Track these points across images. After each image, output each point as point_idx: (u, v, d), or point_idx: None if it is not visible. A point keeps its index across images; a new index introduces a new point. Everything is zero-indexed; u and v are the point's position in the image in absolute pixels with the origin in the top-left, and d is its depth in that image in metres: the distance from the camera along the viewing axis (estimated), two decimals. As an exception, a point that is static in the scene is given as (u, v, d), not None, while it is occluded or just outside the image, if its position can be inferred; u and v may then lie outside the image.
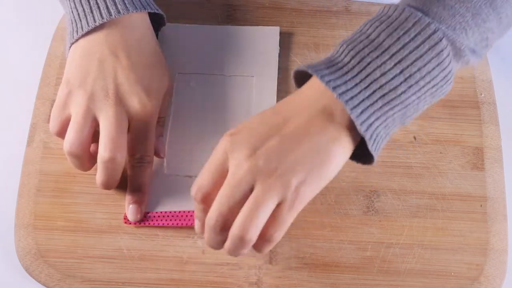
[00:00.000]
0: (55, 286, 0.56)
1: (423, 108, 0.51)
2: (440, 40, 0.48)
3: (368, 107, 0.47)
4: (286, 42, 0.67)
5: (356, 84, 0.48)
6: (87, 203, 0.60)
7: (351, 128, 0.48)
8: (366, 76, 0.48)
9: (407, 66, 0.48)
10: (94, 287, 0.57)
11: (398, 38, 0.48)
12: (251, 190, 0.47)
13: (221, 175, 0.48)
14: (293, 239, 0.58)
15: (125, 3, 0.56)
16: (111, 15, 0.55)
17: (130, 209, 0.57)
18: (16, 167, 0.62)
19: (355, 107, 0.47)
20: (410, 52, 0.48)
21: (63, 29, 0.68)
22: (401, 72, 0.48)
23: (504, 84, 0.67)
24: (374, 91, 0.48)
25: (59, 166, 0.61)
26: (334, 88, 0.47)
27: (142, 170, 0.57)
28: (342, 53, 0.49)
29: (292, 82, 0.66)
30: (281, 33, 0.67)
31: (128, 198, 0.58)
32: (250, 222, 0.46)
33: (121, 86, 0.55)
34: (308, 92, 0.50)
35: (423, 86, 0.49)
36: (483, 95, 0.65)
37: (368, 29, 0.50)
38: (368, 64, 0.48)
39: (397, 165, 0.61)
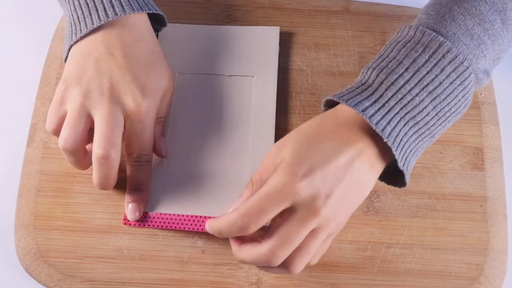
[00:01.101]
0: (55, 286, 0.56)
1: (441, 134, 0.54)
2: (469, 75, 0.51)
3: (405, 143, 0.50)
4: (286, 42, 0.68)
5: (398, 123, 0.50)
6: (87, 203, 0.60)
7: (387, 160, 0.51)
8: (406, 114, 0.50)
9: (440, 102, 0.51)
10: (94, 287, 0.57)
11: (437, 76, 0.50)
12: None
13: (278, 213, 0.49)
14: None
15: (122, 5, 0.56)
16: (108, 17, 0.56)
17: (129, 208, 0.57)
18: (16, 167, 0.62)
19: (398, 146, 0.49)
20: (444, 89, 0.50)
21: (63, 29, 0.68)
22: (434, 108, 0.51)
23: (504, 84, 0.67)
24: (411, 128, 0.50)
25: (59, 166, 0.61)
26: (382, 130, 0.49)
27: (140, 169, 0.57)
28: (380, 84, 0.51)
29: (293, 83, 0.66)
30: (281, 33, 0.67)
31: (127, 197, 0.58)
32: (306, 259, 0.50)
33: (116, 84, 0.55)
34: (349, 122, 0.51)
35: (449, 116, 0.52)
36: (483, 95, 0.65)
37: (404, 59, 0.51)
38: (409, 102, 0.50)
39: (397, 165, 0.61)
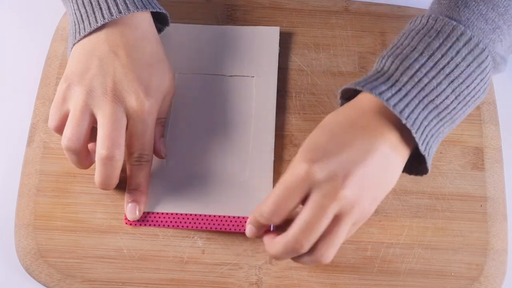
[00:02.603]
0: (55, 286, 0.56)
1: (462, 119, 0.53)
2: (486, 58, 0.50)
3: (426, 127, 0.50)
4: (286, 42, 0.67)
5: (416, 106, 0.49)
6: (87, 203, 0.60)
7: (410, 146, 0.51)
8: (424, 97, 0.49)
9: (458, 85, 0.50)
10: (94, 287, 0.57)
11: (452, 58, 0.50)
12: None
13: (301, 201, 0.49)
14: (293, 239, 0.58)
15: (126, 3, 0.56)
16: (112, 15, 0.56)
17: (128, 208, 0.58)
18: (16, 167, 0.62)
19: (418, 129, 0.49)
20: (462, 72, 0.50)
21: (63, 29, 0.68)
22: (453, 91, 0.50)
23: (504, 84, 0.67)
24: (430, 111, 0.50)
25: (59, 166, 0.61)
26: (400, 112, 0.49)
27: (140, 169, 0.57)
28: (396, 70, 0.50)
29: (293, 83, 0.66)
30: (281, 33, 0.67)
31: (126, 197, 0.58)
32: (334, 247, 0.49)
33: (119, 84, 0.55)
34: (368, 110, 0.51)
35: (469, 101, 0.51)
36: (483, 95, 0.65)
37: (418, 44, 0.51)
38: (426, 85, 0.50)
39: (397, 165, 0.61)
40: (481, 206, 0.60)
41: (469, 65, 0.50)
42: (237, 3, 0.70)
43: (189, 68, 0.65)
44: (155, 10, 0.59)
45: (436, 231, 0.59)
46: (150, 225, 0.58)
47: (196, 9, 0.69)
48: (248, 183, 0.59)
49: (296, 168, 0.49)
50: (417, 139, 0.49)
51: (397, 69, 0.50)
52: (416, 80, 0.49)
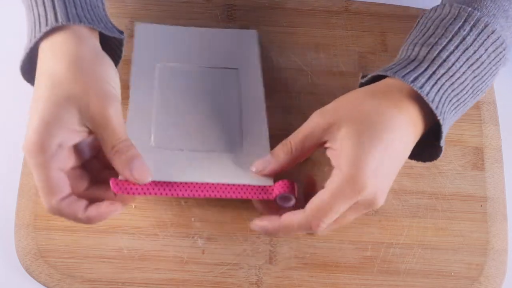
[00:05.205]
0: (55, 286, 0.57)
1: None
2: (504, 57, 0.52)
3: (446, 113, 0.50)
4: (286, 42, 0.68)
5: (444, 92, 0.50)
6: (87, 203, 0.59)
7: (425, 124, 0.51)
8: (449, 86, 0.50)
9: (477, 81, 0.51)
10: (94, 287, 0.57)
11: (481, 55, 0.51)
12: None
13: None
14: (293, 239, 0.58)
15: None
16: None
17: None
18: (16, 167, 0.62)
19: (444, 120, 0.49)
20: (484, 68, 0.51)
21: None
22: (472, 86, 0.51)
23: (504, 84, 0.67)
24: (454, 104, 0.51)
25: (59, 166, 0.61)
26: (431, 99, 0.49)
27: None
28: (425, 57, 0.51)
29: (293, 83, 0.66)
30: (281, 33, 0.67)
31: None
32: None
33: None
34: (395, 93, 0.51)
35: (478, 95, 0.53)
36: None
37: (444, 32, 0.51)
38: (454, 73, 0.50)
39: (397, 165, 0.61)
40: (481, 206, 0.60)
41: (490, 62, 0.51)
42: (237, 3, 0.70)
43: (171, 60, 0.63)
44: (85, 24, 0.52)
45: (436, 231, 0.59)
46: (139, 193, 0.52)
47: (196, 9, 0.69)
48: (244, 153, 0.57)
49: (349, 176, 0.48)
50: (441, 121, 0.49)
51: (425, 56, 0.51)
52: (446, 66, 0.50)
